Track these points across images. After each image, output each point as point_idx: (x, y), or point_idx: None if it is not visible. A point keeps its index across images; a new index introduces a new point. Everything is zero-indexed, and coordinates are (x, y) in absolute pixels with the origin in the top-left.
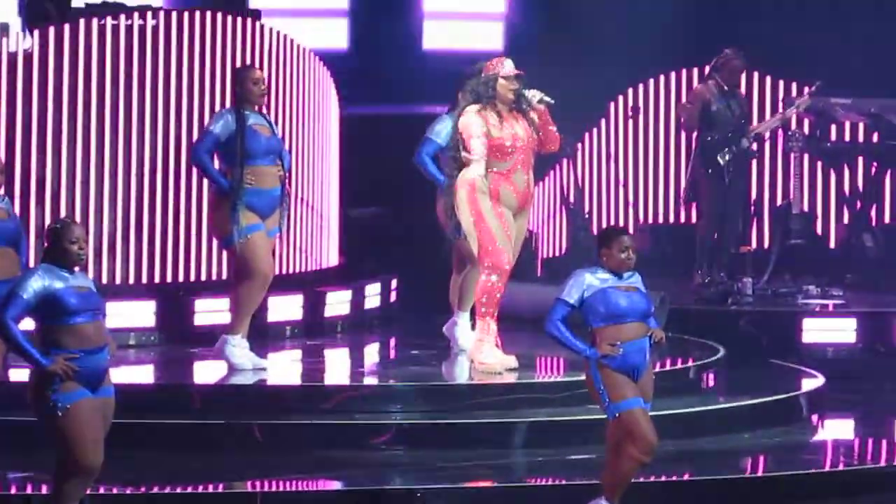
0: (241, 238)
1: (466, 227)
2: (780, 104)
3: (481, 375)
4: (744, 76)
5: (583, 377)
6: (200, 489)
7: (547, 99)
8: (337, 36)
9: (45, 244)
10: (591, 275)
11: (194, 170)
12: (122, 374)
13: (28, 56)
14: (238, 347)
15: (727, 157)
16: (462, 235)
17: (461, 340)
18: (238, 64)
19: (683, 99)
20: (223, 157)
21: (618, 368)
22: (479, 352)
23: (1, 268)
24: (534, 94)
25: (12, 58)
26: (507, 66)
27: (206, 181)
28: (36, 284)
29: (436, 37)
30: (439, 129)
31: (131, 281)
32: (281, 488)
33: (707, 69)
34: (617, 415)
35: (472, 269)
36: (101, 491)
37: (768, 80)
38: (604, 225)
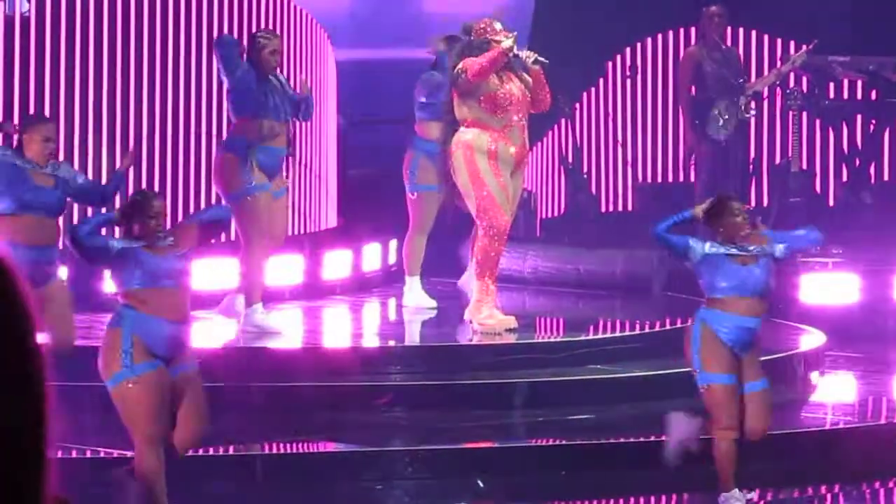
0: (250, 195)
1: (464, 188)
2: (779, 62)
3: (481, 336)
4: (741, 35)
5: (581, 337)
6: (200, 452)
7: (541, 59)
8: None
9: (122, 215)
10: (709, 243)
11: (189, 135)
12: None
13: (26, 20)
14: (265, 314)
15: (726, 117)
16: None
17: None
18: (235, 27)
19: (681, 58)
20: (235, 109)
21: (724, 339)
22: (478, 312)
23: (40, 236)
24: (528, 55)
25: (10, 21)
26: (498, 28)
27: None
28: (118, 243)
29: None
30: (426, 78)
31: None
32: (280, 451)
33: (695, 32)
34: (707, 385)
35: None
36: (101, 455)
37: (766, 39)
38: (602, 184)
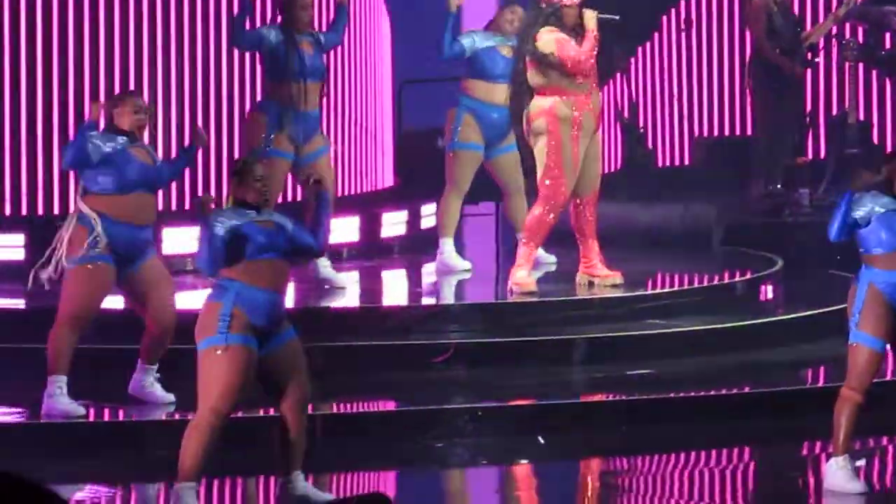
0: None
1: (538, 153)
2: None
3: (517, 295)
4: None
5: (640, 292)
6: (261, 413)
7: (609, 17)
8: None
9: (231, 182)
10: (873, 199)
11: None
12: (179, 301)
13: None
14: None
15: (797, 68)
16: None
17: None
18: None
19: (736, 11)
20: (267, 72)
21: (889, 298)
22: (514, 275)
23: (142, 215)
24: (590, 17)
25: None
26: None
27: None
28: (226, 222)
29: None
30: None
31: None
32: (340, 411)
33: None
34: (854, 343)
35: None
36: (164, 417)
37: None
38: (658, 139)
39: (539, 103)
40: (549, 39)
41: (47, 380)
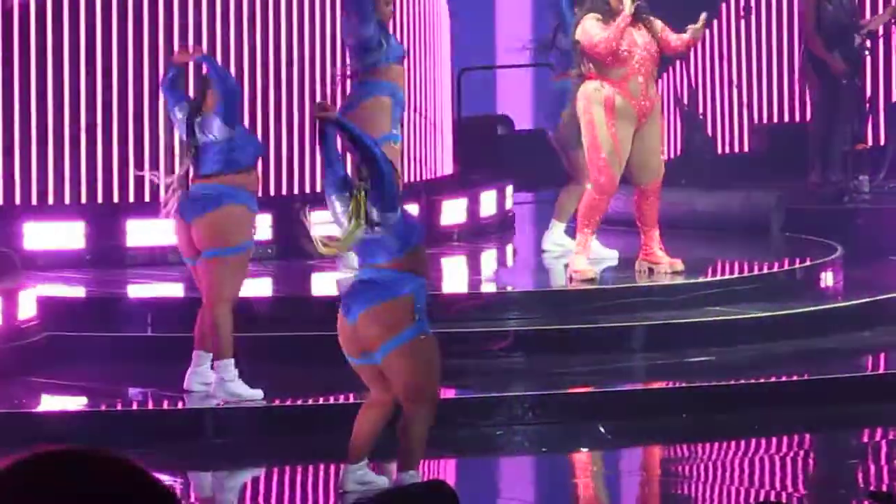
0: (395, 141)
1: (583, 138)
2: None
3: (577, 283)
4: None
5: (699, 279)
6: (321, 401)
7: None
8: None
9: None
10: None
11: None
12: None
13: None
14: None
15: (840, 64)
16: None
17: (546, 245)
18: None
19: (799, 4)
20: (357, 56)
21: None
22: (573, 262)
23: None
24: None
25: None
26: None
27: None
28: None
29: None
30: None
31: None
32: None
33: None
34: None
35: (576, 184)
36: (222, 405)
37: None
38: (718, 126)
39: (581, 87)
40: (582, 27)
41: (216, 365)
